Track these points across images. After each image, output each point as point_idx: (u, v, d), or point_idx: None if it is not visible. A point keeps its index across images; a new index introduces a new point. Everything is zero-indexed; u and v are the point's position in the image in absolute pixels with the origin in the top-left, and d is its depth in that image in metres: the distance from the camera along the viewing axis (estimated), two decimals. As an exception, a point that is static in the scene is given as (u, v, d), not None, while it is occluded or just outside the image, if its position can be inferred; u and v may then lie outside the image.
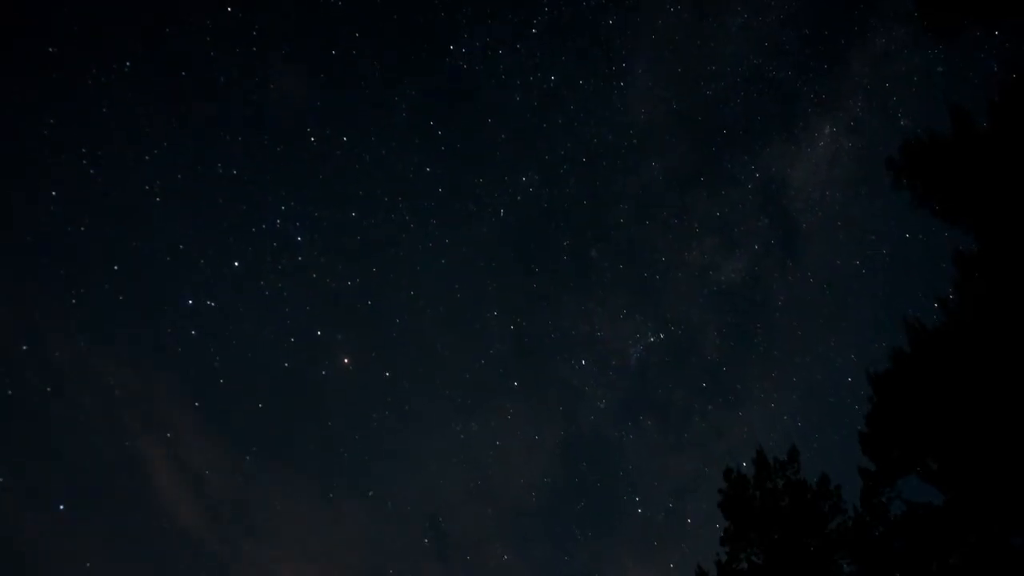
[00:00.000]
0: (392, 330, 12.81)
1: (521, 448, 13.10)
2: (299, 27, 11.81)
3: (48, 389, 11.30)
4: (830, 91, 12.85)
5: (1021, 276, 6.33)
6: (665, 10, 12.72)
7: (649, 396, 13.32)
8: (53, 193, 10.97)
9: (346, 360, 12.63)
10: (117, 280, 11.35)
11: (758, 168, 13.03)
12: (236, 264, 12.10)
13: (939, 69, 12.51)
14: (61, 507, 11.51)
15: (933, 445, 6.67)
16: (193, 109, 11.54)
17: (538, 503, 13.11)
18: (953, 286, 6.71)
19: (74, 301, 11.37)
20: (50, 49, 10.63)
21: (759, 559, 6.86)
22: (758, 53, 12.98)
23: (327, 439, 12.87)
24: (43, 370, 11.20)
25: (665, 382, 13.33)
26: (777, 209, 13.12)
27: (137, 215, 11.52)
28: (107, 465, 12.02)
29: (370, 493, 12.74)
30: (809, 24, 12.89)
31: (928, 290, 12.75)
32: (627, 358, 13.20)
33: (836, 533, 6.83)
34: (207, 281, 11.93)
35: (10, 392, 11.01)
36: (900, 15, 12.58)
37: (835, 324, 13.15)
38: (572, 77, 12.74)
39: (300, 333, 12.55)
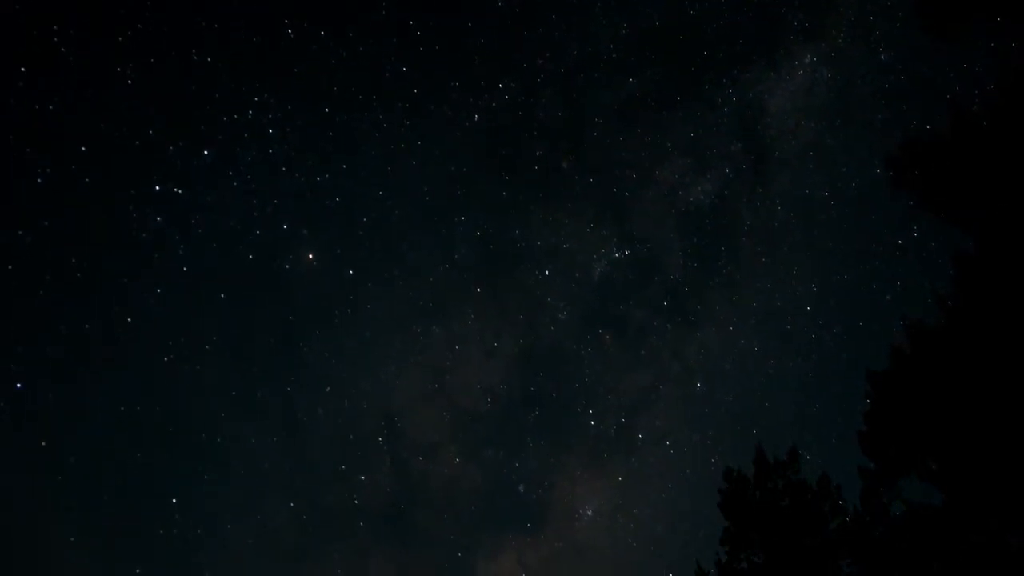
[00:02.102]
0: (358, 228, 12.77)
1: (480, 354, 13.22)
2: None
3: (9, 267, 11.26)
4: (814, 20, 12.76)
5: (1020, 276, 6.32)
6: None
7: (610, 311, 13.44)
8: (22, 69, 10.78)
9: (310, 256, 12.62)
10: (84, 161, 11.23)
11: (735, 92, 12.97)
12: (205, 153, 11.99)
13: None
14: (18, 386, 11.56)
15: (933, 445, 6.70)
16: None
17: (493, 409, 13.28)
18: (953, 285, 6.71)
19: (39, 180, 11.26)
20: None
21: (759, 559, 6.92)
22: (745, -26, 12.86)
23: (287, 333, 12.92)
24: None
25: (626, 298, 13.42)
26: (751, 134, 13.11)
27: (107, 97, 11.35)
28: (64, 342, 12.03)
29: (327, 389, 12.85)
30: (798, -51, 12.75)
31: (894, 228, 12.87)
32: (591, 272, 13.28)
33: (836, 533, 6.87)
34: (175, 168, 11.82)
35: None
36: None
37: (799, 253, 13.24)
38: (555, -15, 12.59)
39: (266, 226, 12.50)
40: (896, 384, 6.93)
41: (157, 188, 11.78)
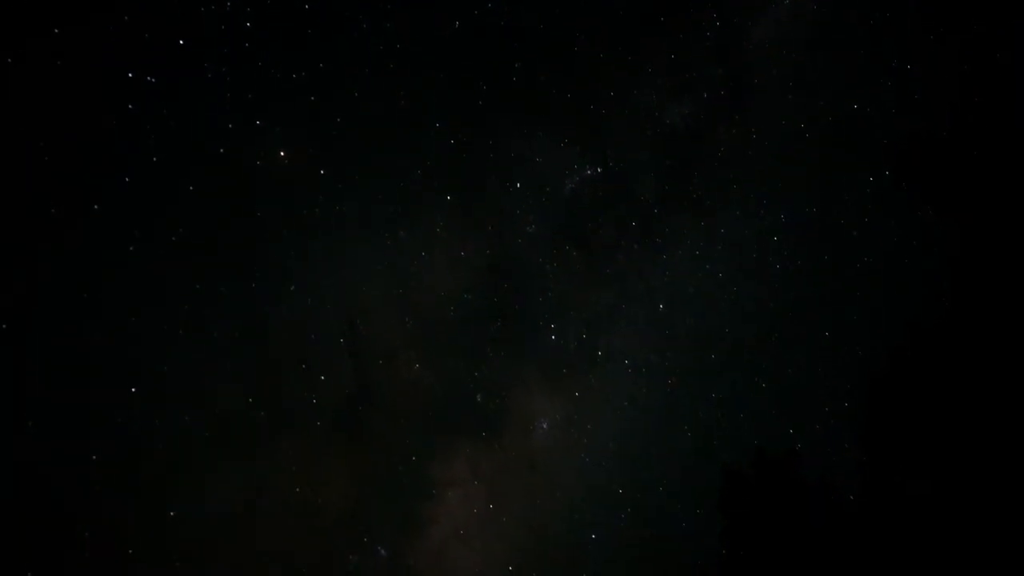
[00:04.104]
0: (332, 128, 12.65)
1: (446, 262, 13.20)
2: None
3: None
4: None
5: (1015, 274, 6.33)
6: None
7: (578, 227, 13.45)
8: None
9: (282, 153, 12.53)
10: (55, 44, 11.03)
11: (720, 16, 12.91)
12: (181, 42, 11.81)
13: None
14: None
15: (931, 441, 6.75)
16: None
17: (455, 318, 13.32)
18: (951, 284, 6.73)
19: (9, 60, 11.05)
20: None
21: (759, 558, 6.94)
22: None
23: (254, 229, 12.84)
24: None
25: (595, 215, 13.44)
26: (732, 60, 13.08)
27: (80, -18, 11.14)
28: (25, 226, 11.91)
29: (292, 288, 12.84)
30: None
31: (865, 164, 12.91)
32: (561, 187, 13.28)
33: (836, 531, 6.90)
34: (149, 56, 11.64)
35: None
36: None
37: (771, 183, 13.30)
38: None
39: (238, 120, 12.36)
40: (895, 382, 7.00)
41: (130, 75, 11.62)
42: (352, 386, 13.09)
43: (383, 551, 12.73)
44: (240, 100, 12.21)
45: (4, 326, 11.61)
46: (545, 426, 13.37)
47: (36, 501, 11.91)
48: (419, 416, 13.34)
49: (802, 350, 13.18)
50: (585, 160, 13.27)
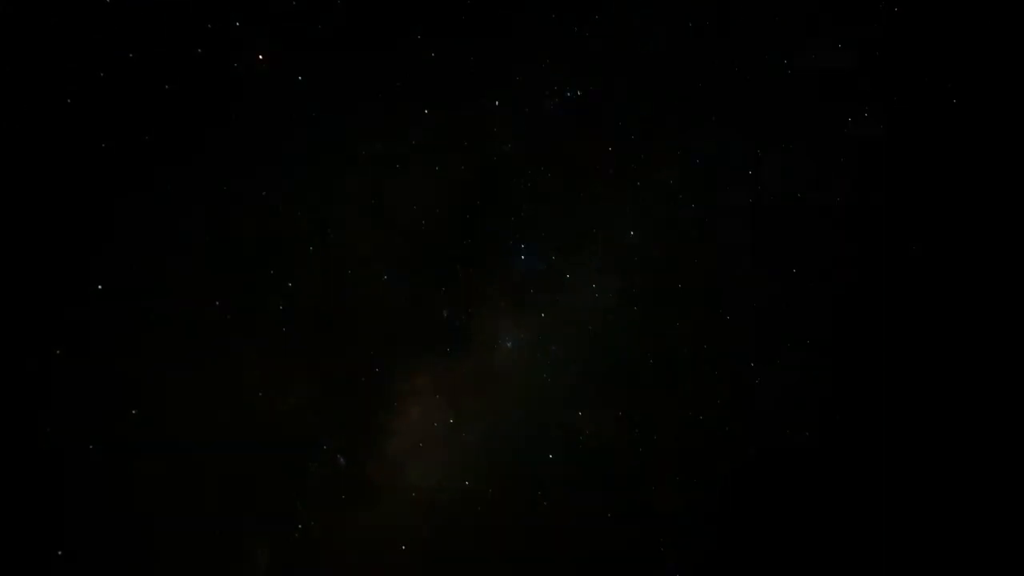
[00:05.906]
0: (312, 34, 12.49)
1: (420, 175, 13.07)
2: None
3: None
4: None
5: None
6: None
7: (554, 148, 13.38)
8: None
9: (260, 57, 12.40)
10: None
11: (709, -57, 12.89)
12: (162, -62, 11.68)
13: None
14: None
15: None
16: None
17: (426, 232, 13.23)
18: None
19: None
20: None
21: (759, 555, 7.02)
22: None
23: (226, 134, 12.70)
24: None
25: (572, 136, 13.38)
26: (721, -7, 13.07)
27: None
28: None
29: (263, 192, 12.74)
30: None
31: (844, 105, 12.94)
32: (541, 107, 13.17)
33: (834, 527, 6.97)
34: (129, -49, 11.50)
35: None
36: None
37: (747, 117, 13.22)
38: None
39: (217, 21, 12.19)
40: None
41: (109, -22, 11.48)
42: (319, 294, 13.07)
43: (342, 460, 12.83)
44: (220, 0, 12.11)
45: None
46: (509, 345, 13.44)
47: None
48: (384, 328, 13.36)
49: (770, 285, 13.31)
50: (566, 81, 13.21)
